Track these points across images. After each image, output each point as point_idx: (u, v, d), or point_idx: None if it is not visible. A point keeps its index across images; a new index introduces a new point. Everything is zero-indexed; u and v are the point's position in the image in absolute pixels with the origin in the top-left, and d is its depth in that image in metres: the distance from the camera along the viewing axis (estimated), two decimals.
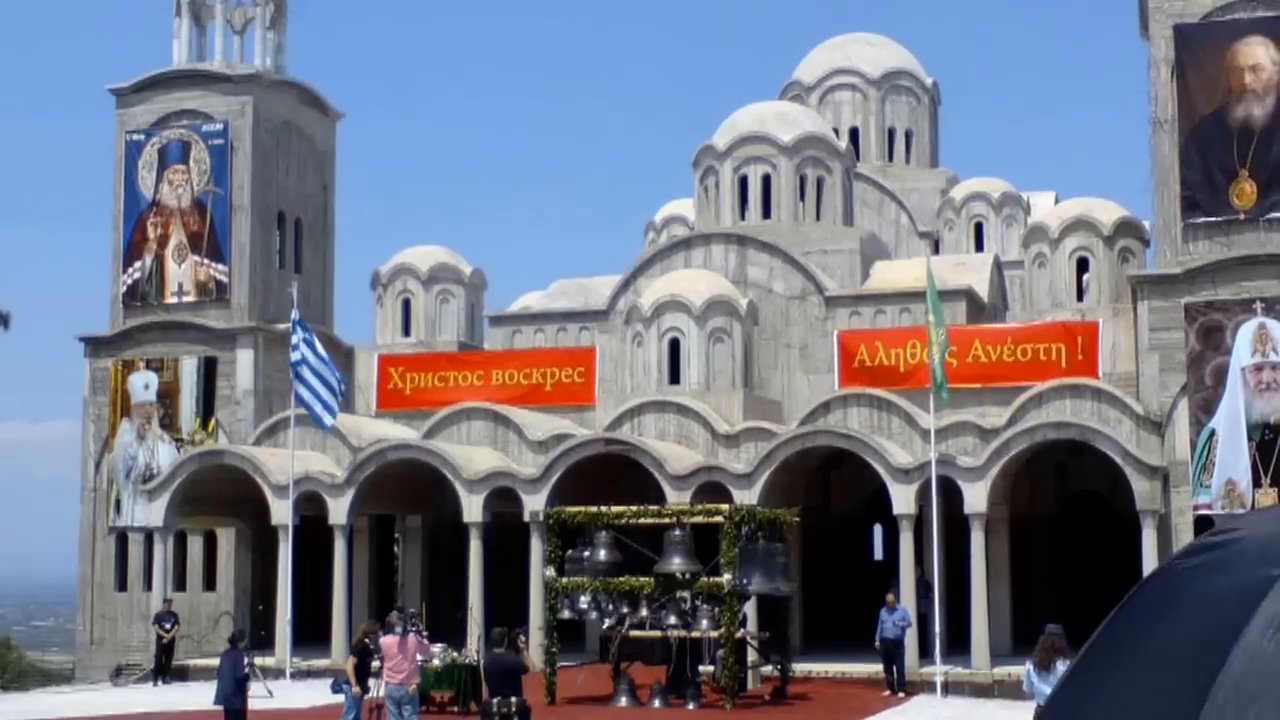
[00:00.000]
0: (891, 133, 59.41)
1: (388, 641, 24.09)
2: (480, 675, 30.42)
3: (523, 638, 26.55)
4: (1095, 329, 42.38)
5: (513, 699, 21.08)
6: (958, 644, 35.95)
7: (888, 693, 34.07)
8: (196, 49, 52.95)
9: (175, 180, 50.43)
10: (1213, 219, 39.51)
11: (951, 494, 36.39)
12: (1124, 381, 40.91)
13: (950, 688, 34.00)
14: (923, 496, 36.18)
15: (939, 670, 33.92)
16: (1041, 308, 45.34)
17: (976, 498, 36.00)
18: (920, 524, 36.71)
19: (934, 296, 35.11)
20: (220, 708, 25.36)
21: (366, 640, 25.83)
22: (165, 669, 40.42)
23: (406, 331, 52.25)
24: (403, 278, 52.62)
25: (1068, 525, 42.28)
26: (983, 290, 47.38)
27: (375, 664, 25.20)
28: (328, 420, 39.00)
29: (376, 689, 24.43)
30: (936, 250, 54.57)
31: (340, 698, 25.74)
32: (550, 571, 32.67)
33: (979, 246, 55.94)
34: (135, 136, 51.05)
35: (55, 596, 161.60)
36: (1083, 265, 45.50)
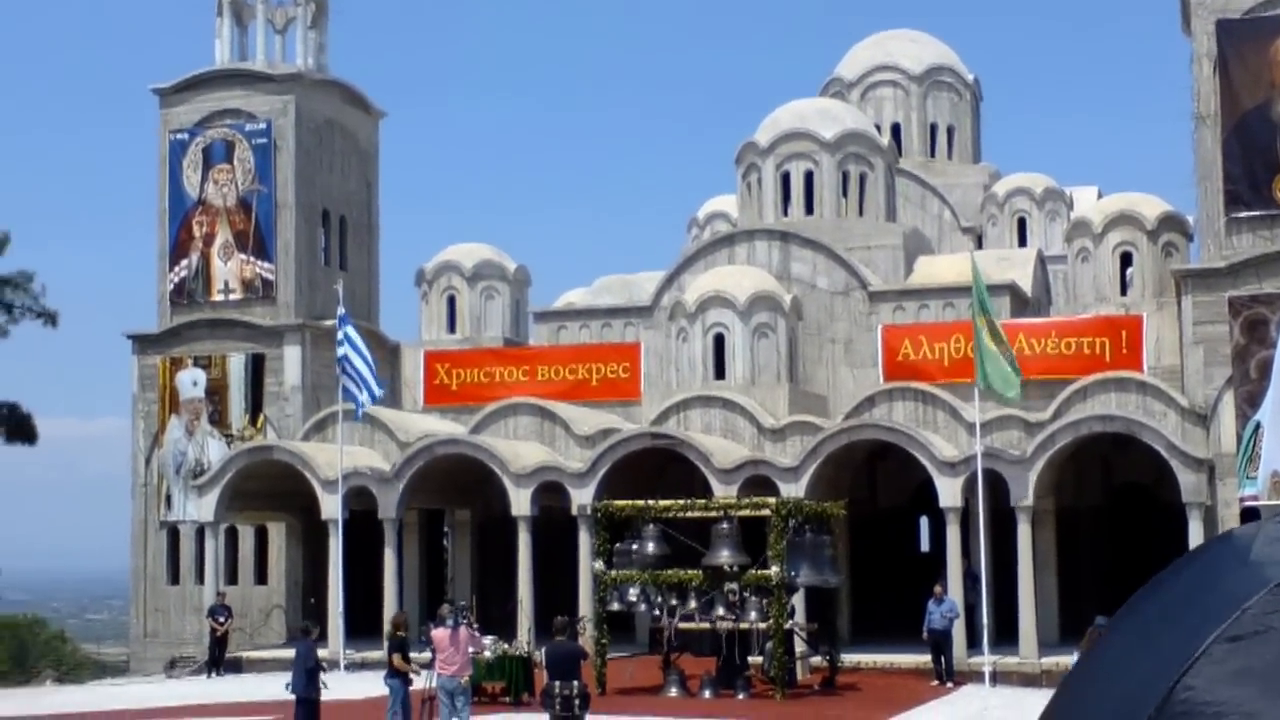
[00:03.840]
0: (933, 128, 59.50)
1: (439, 634, 24.35)
2: (531, 666, 30.84)
3: (583, 626, 26.92)
4: (1139, 323, 42.49)
5: (574, 683, 21.38)
6: (1005, 634, 36.11)
7: (936, 683, 34.27)
8: (238, 48, 53.36)
9: (220, 179, 50.87)
10: (1256, 213, 39.57)
11: (997, 487, 36.56)
12: (1169, 375, 41.02)
13: (998, 678, 34.18)
14: (969, 489, 36.36)
15: (987, 660, 34.09)
16: (1085, 302, 45.41)
17: (1023, 490, 36.17)
18: (966, 516, 36.89)
19: (982, 291, 35.17)
20: (293, 696, 25.68)
21: (400, 633, 26.03)
22: (219, 661, 40.82)
23: (452, 328, 52.64)
24: (447, 275, 53.01)
25: (1114, 517, 42.39)
26: (1026, 285, 47.52)
27: (426, 655, 25.46)
28: (364, 400, 39.03)
29: (428, 680, 24.67)
30: (980, 245, 54.66)
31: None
32: (599, 564, 32.96)
33: (1022, 241, 56.05)
34: (179, 136, 51.51)
35: (109, 590, 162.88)
36: (1126, 260, 45.56)
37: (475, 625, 28.00)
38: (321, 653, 37.62)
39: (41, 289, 48.87)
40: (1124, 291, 45.26)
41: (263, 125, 50.70)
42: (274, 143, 50.52)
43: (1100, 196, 55.50)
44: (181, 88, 52.04)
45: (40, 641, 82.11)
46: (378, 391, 39.07)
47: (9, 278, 48.75)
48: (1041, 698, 31.78)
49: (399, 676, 25.23)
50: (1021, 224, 56.87)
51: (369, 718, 26.95)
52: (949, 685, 34.07)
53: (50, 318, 49.47)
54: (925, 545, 46.46)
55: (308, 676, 25.10)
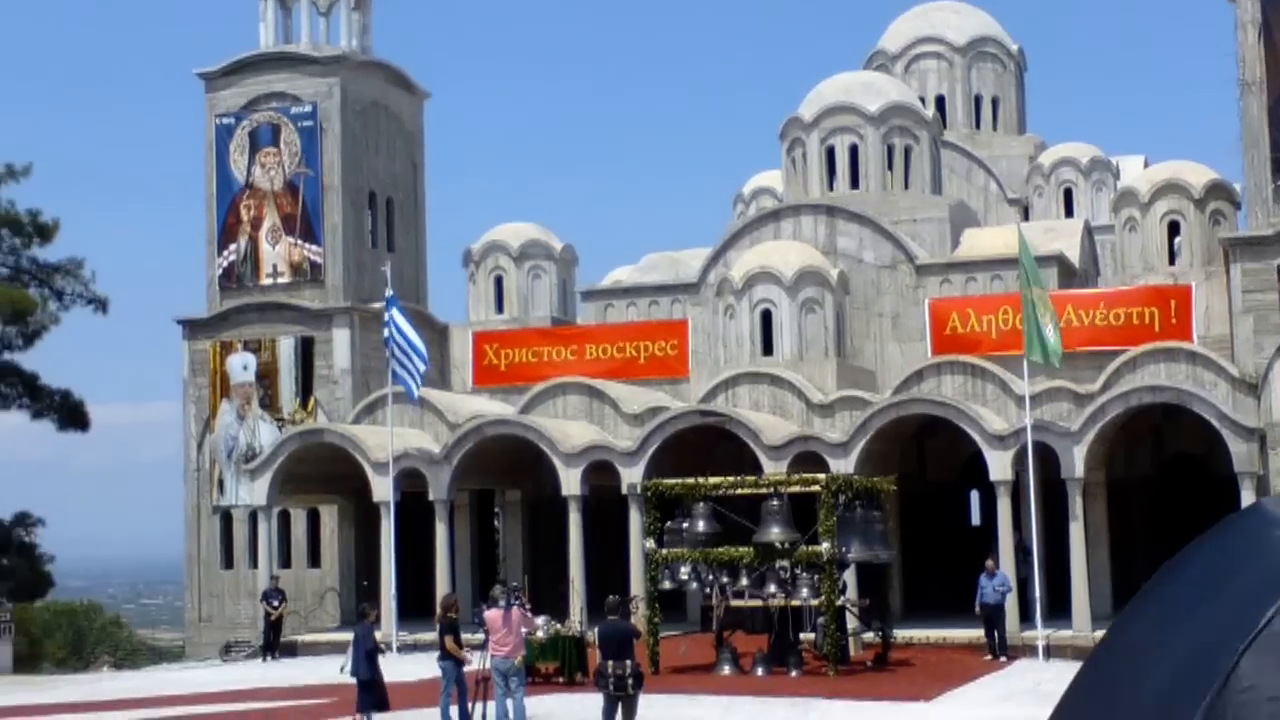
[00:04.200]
0: (978, 100, 59.24)
1: (492, 615, 24.42)
2: (584, 646, 30.96)
3: (635, 605, 26.98)
4: (1188, 292, 42.25)
5: (627, 662, 21.43)
6: (1058, 608, 36.06)
7: (989, 657, 34.25)
8: (283, 31, 53.50)
9: (267, 163, 51.07)
10: None
11: (1048, 459, 36.45)
12: (1218, 344, 40.78)
13: (1052, 651, 34.10)
14: (1019, 462, 36.25)
15: (1040, 634, 34.02)
16: (1133, 272, 45.17)
17: (1073, 462, 36.04)
18: (1017, 489, 36.79)
19: (1030, 262, 34.98)
20: (352, 679, 25.84)
21: (451, 615, 26.09)
22: (273, 645, 41.08)
23: (500, 308, 52.78)
24: (495, 255, 53.13)
25: (1165, 488, 42.19)
26: (1074, 256, 47.28)
27: (479, 637, 25.55)
28: (414, 378, 39.20)
29: (482, 661, 24.76)
30: (1026, 217, 54.46)
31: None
32: (650, 543, 33.02)
33: (1069, 212, 55.79)
34: (225, 120, 51.72)
35: (163, 575, 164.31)
36: (1174, 229, 45.28)
37: (527, 606, 28.08)
38: (375, 635, 37.93)
39: (91, 275, 49.52)
40: (1172, 261, 44.99)
41: (308, 108, 50.87)
42: (320, 125, 50.69)
43: (1147, 165, 55.14)
44: (227, 71, 52.24)
45: (97, 628, 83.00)
46: (422, 368, 39.09)
47: (59, 265, 49.31)
48: None
49: (451, 658, 25.33)
50: (1068, 194, 56.59)
51: (423, 699, 27.10)
52: (1002, 660, 34.04)
53: (101, 304, 50.10)
54: (976, 519, 46.36)
55: (367, 659, 25.22)
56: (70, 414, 49.49)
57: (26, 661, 47.55)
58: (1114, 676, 5.79)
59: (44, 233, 48.98)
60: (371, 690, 25.29)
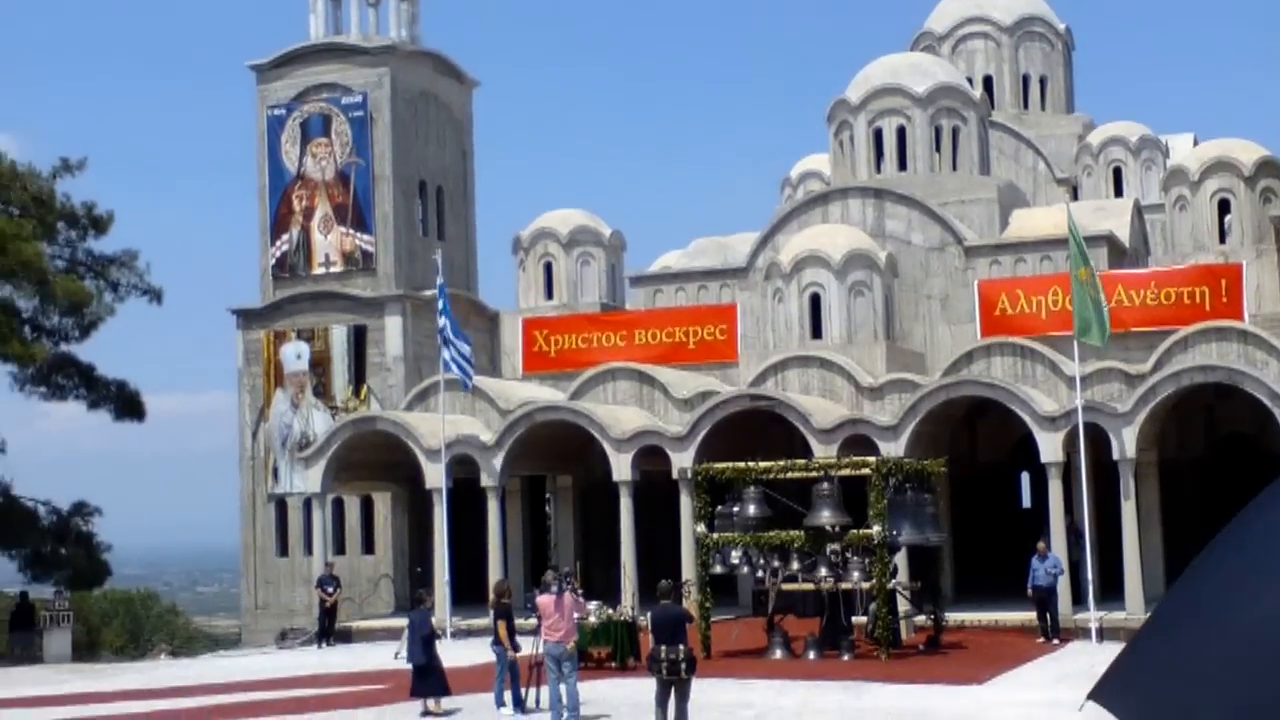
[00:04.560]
0: (1026, 80, 59.02)
1: (544, 600, 24.57)
2: (636, 631, 31.11)
3: (687, 589, 27.07)
4: (1239, 271, 42.03)
5: (680, 647, 21.54)
6: (1110, 590, 35.98)
7: (1042, 640, 34.23)
8: (333, 22, 53.84)
9: (318, 153, 51.43)
10: None
11: (1099, 440, 36.36)
12: (1270, 323, 40.58)
13: (1104, 633, 34.05)
14: (1070, 444, 36.18)
15: (1093, 616, 33.97)
16: (1184, 251, 44.98)
17: (1125, 443, 35.92)
18: (1068, 471, 36.72)
19: (1079, 241, 34.86)
20: (408, 665, 26.10)
21: (505, 600, 26.28)
22: (328, 632, 41.34)
23: (549, 294, 53.01)
24: (544, 241, 53.36)
25: (1217, 468, 42.00)
26: (1123, 235, 47.11)
27: (533, 622, 25.72)
28: (456, 362, 39.47)
29: (535, 646, 24.92)
30: (1075, 196, 54.23)
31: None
32: (701, 527, 33.11)
33: (1118, 191, 55.55)
34: (276, 111, 52.10)
35: (219, 563, 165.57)
36: (1224, 207, 45.07)
37: (579, 591, 28.20)
38: (431, 620, 38.21)
39: (146, 267, 49.85)
40: (1222, 239, 44.79)
41: (359, 98, 51.19)
42: (370, 115, 51.01)
43: (1196, 144, 54.87)
44: (278, 63, 52.63)
45: (154, 616, 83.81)
46: (465, 349, 39.26)
47: (114, 257, 49.71)
48: None
49: (498, 642, 25.56)
50: (1117, 174, 56.34)
51: (478, 684, 27.33)
52: (1055, 642, 34.02)
53: (155, 295, 50.44)
54: (1027, 501, 46.28)
55: (424, 644, 25.46)
56: (126, 404, 49.92)
57: (85, 649, 48.06)
58: (1214, 599, 5.85)
59: (99, 225, 49.38)
60: (429, 675, 25.53)
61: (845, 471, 32.63)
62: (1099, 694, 5.95)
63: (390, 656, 32.85)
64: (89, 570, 49.35)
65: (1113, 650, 28.43)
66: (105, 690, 32.74)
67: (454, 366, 39.28)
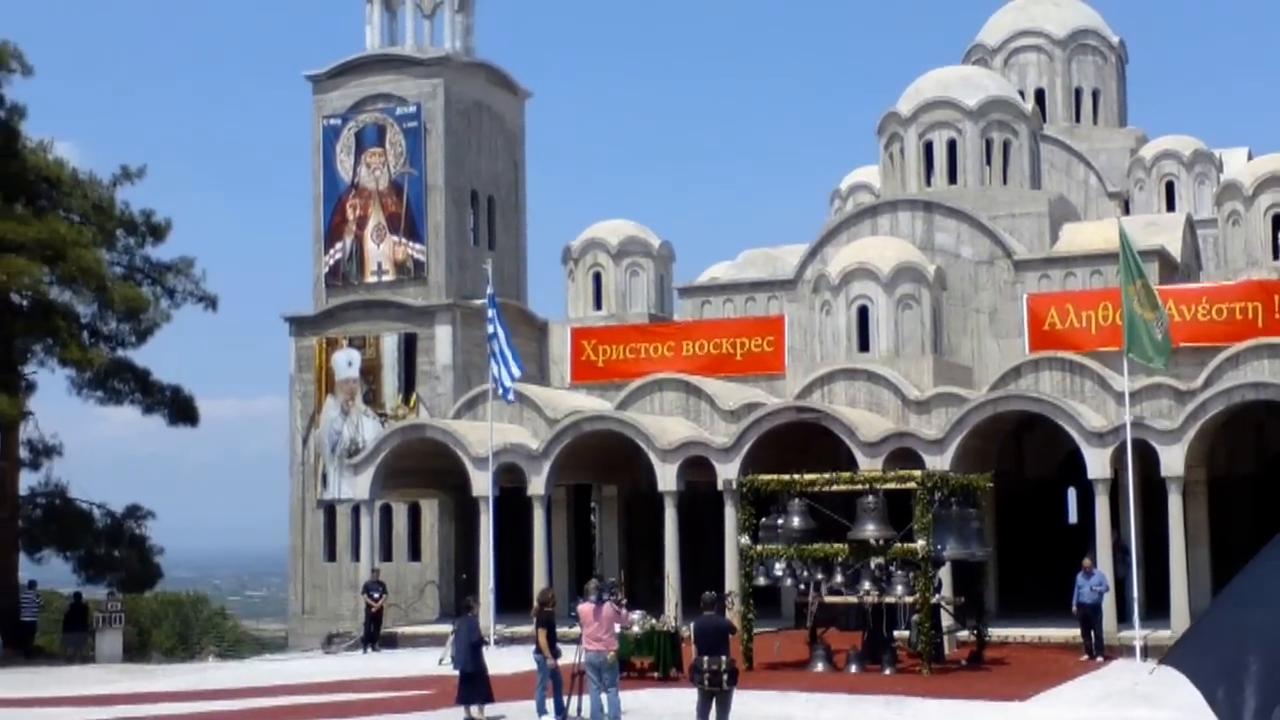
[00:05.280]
0: (1078, 93, 58.88)
1: (584, 609, 24.74)
2: (679, 641, 31.22)
3: (730, 601, 27.15)
4: None
5: (722, 658, 21.67)
6: (1156, 608, 35.80)
7: (1086, 657, 34.10)
8: (388, 33, 54.24)
9: (372, 163, 51.83)
10: None
11: (1147, 457, 36.22)
12: None
13: (1150, 652, 33.89)
14: (1117, 460, 36.04)
15: (1138, 635, 33.79)
16: (1236, 266, 44.79)
17: (1173, 460, 35.74)
18: (1115, 487, 36.59)
19: (1133, 255, 34.65)
20: (454, 671, 26.27)
21: (547, 608, 26.39)
22: (374, 637, 41.61)
23: (598, 304, 53.26)
24: (593, 252, 53.61)
25: (1268, 487, 41.78)
26: (1175, 250, 46.92)
27: (577, 630, 25.85)
28: (505, 379, 39.66)
29: (578, 655, 25.06)
30: (1127, 211, 54.06)
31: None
32: (745, 539, 33.18)
33: (1170, 206, 55.32)
34: (332, 121, 52.53)
35: (267, 567, 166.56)
36: (1277, 222, 44.84)
37: (623, 601, 28.31)
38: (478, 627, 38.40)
39: (202, 274, 50.38)
40: (1276, 255, 44.60)
41: (413, 109, 51.55)
42: (424, 126, 51.35)
43: (1250, 158, 54.61)
44: (334, 74, 53.05)
45: (203, 618, 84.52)
46: (516, 372, 39.47)
47: (171, 264, 50.27)
48: None
49: (539, 651, 25.70)
50: (1170, 188, 56.12)
51: (520, 691, 27.51)
52: (1099, 660, 33.89)
53: (211, 301, 50.98)
54: (1073, 517, 46.15)
55: (472, 651, 25.61)
56: (181, 409, 50.46)
57: (136, 650, 48.63)
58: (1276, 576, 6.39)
59: (157, 232, 49.98)
60: (475, 682, 25.67)
61: (890, 485, 32.64)
62: (1171, 658, 6.72)
63: (435, 662, 33.14)
64: (141, 572, 49.90)
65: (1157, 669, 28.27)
66: (156, 691, 33.13)
67: (501, 372, 39.37)
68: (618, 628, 25.49)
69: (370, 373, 50.66)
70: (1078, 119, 58.69)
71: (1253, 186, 44.79)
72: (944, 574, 34.05)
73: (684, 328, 49.17)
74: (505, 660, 32.99)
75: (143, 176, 49.30)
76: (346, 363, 50.94)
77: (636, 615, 31.31)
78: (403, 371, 50.28)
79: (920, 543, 31.11)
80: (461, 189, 52.05)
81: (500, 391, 39.80)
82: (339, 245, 51.89)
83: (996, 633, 35.07)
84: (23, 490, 47.59)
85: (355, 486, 44.11)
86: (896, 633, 32.34)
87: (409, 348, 50.30)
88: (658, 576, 40.49)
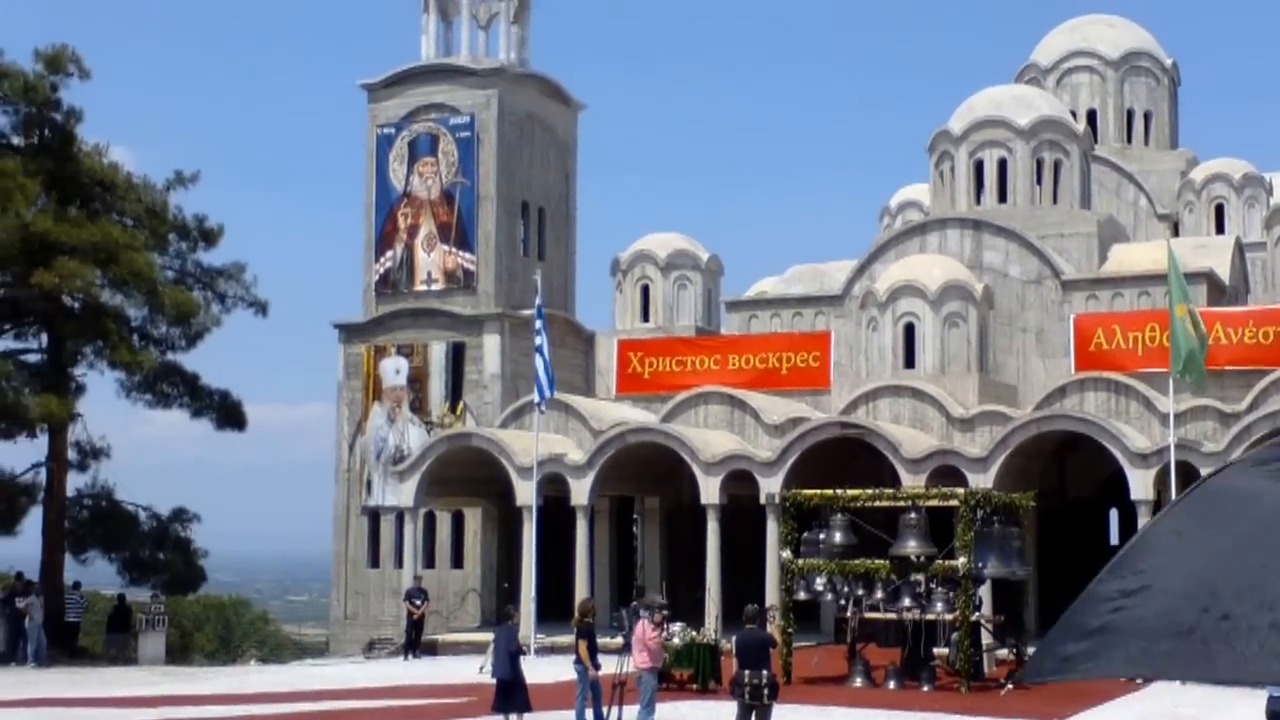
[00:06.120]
0: (1130, 114, 58.72)
1: (638, 625, 25.00)
2: (719, 654, 31.29)
3: (772, 615, 27.19)
4: None
5: (763, 672, 21.74)
6: None
7: (1125, 678, 33.94)
8: (444, 44, 54.50)
9: (425, 172, 52.10)
10: None
11: (1191, 479, 36.06)
12: None
13: None
14: (1161, 481, 35.96)
15: None
16: None
17: None
18: (1158, 509, 36.41)
19: (1179, 278, 34.61)
20: (492, 679, 26.39)
21: (588, 619, 26.46)
22: (415, 644, 41.81)
23: (646, 317, 53.42)
24: (642, 264, 53.79)
25: None
26: (1224, 273, 46.77)
27: (618, 641, 25.95)
28: (541, 397, 39.98)
29: (619, 666, 25.12)
30: (1176, 232, 53.87)
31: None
32: (786, 553, 33.19)
33: (1220, 228, 55.10)
34: (386, 130, 52.85)
35: (311, 573, 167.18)
36: None
37: (664, 622, 28.04)
38: (518, 637, 38.54)
39: (253, 279, 50.75)
40: None
41: (466, 119, 51.80)
42: (477, 136, 51.58)
43: None
44: (388, 83, 53.33)
45: (245, 622, 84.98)
46: (548, 394, 39.83)
47: (223, 269, 50.66)
48: (1233, 695, 31.50)
49: (579, 661, 25.79)
50: (1219, 210, 55.91)
51: (560, 701, 27.62)
52: (1138, 681, 33.78)
53: (261, 307, 51.32)
54: (1115, 538, 45.99)
55: (510, 660, 25.70)
56: (228, 413, 50.82)
57: (178, 653, 48.97)
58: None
59: (209, 237, 50.36)
60: (512, 691, 25.72)
61: (933, 502, 32.60)
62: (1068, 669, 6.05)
63: (475, 670, 33.27)
64: (185, 575, 50.23)
65: (1196, 691, 28.09)
66: (197, 694, 33.36)
67: (542, 379, 39.60)
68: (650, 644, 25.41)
69: (418, 381, 50.92)
70: (1129, 140, 58.54)
71: None
72: (984, 592, 34.05)
73: (730, 341, 49.29)
74: (545, 670, 33.11)
75: (196, 182, 49.70)
76: (394, 370, 51.21)
77: (677, 628, 31.37)
78: (450, 380, 50.51)
79: (961, 560, 31.08)
80: (512, 199, 52.29)
81: (535, 400, 40.11)
82: (390, 253, 52.18)
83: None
84: (70, 491, 48.00)
85: (400, 493, 44.37)
86: (936, 650, 32.29)
87: (457, 356, 50.52)
88: (699, 589, 40.57)
